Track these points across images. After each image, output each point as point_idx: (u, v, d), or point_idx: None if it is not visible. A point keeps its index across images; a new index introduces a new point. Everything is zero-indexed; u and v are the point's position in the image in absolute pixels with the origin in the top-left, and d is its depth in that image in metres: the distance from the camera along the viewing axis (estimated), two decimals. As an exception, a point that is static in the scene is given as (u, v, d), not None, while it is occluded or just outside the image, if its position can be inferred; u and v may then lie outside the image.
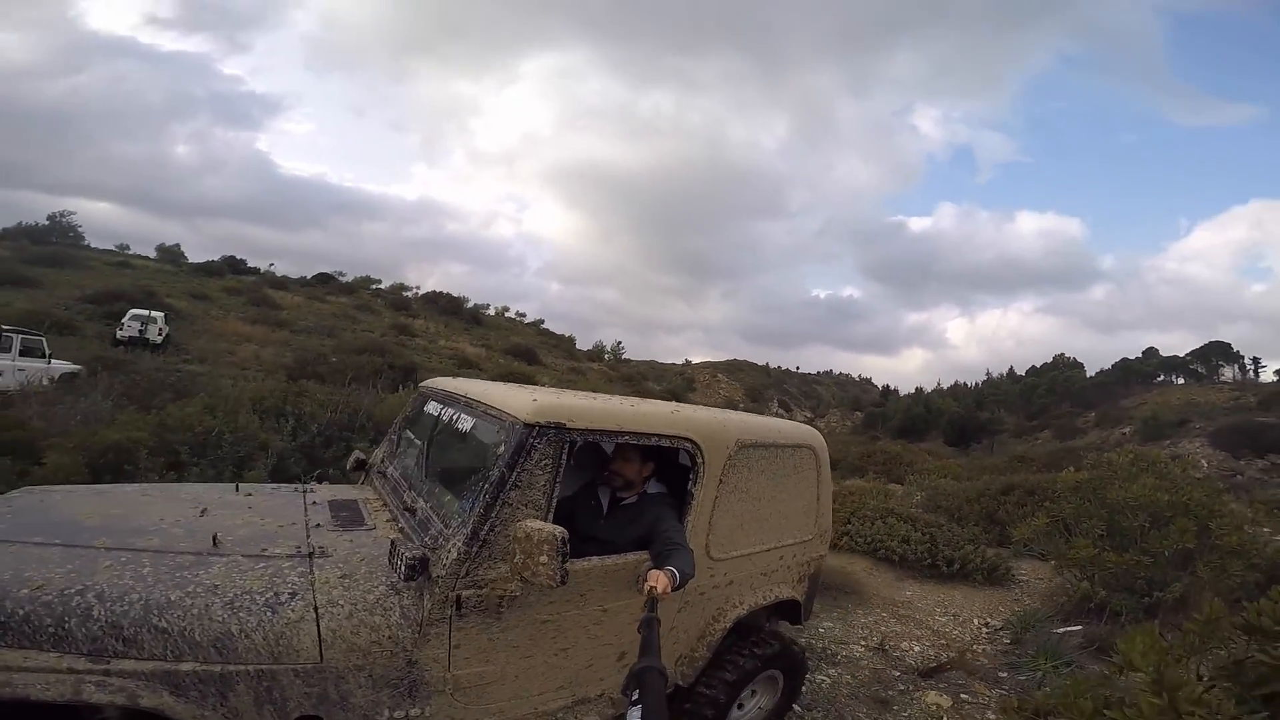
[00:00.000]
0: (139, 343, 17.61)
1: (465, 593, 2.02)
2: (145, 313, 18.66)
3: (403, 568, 1.94)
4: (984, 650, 4.78)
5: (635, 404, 2.63)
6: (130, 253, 45.08)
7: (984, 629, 5.31)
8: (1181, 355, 42.11)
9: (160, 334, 18.28)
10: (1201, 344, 41.66)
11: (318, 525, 2.43)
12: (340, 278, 48.95)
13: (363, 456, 3.46)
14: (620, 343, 53.32)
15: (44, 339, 12.64)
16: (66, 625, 1.67)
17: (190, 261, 44.86)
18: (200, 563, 1.97)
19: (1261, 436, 18.35)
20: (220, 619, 1.79)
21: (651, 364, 56.07)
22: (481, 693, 2.13)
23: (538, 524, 1.95)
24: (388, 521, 2.57)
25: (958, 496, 9.24)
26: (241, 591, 1.87)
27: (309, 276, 47.67)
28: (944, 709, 3.73)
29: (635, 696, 1.46)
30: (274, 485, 3.13)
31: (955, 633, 5.18)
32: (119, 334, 17.99)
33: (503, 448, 2.16)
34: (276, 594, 1.89)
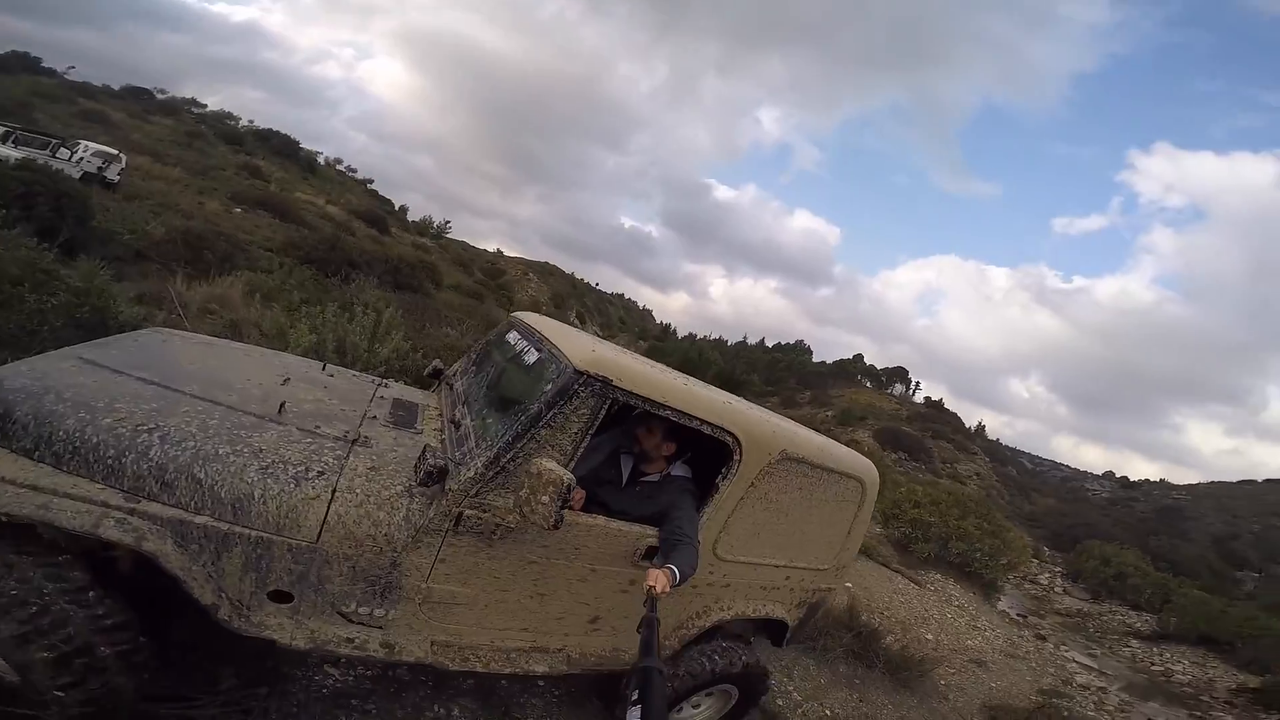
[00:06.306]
0: (95, 180, 15.44)
1: (469, 511, 2.09)
2: (114, 152, 16.91)
3: (421, 472, 2.02)
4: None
5: (689, 382, 2.61)
6: None
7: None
8: (878, 367, 55.88)
9: (119, 174, 16.82)
10: (887, 365, 55.80)
11: (373, 418, 2.55)
12: (159, 95, 43.63)
13: (440, 365, 3.63)
14: (448, 221, 51.59)
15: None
16: (124, 460, 1.81)
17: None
18: (259, 426, 2.12)
19: (901, 439, 27.71)
20: (249, 480, 1.90)
21: (464, 245, 54.86)
22: (448, 611, 2.18)
23: (550, 464, 1.97)
24: (435, 430, 2.66)
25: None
26: (278, 460, 1.99)
27: (116, 88, 40.45)
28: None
29: (635, 696, 1.44)
30: (356, 373, 3.37)
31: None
32: (80, 166, 16.03)
33: (549, 386, 2.20)
34: (307, 469, 2.00)
